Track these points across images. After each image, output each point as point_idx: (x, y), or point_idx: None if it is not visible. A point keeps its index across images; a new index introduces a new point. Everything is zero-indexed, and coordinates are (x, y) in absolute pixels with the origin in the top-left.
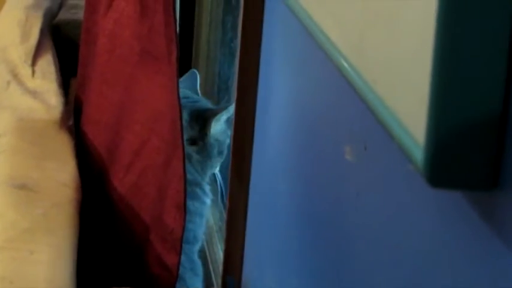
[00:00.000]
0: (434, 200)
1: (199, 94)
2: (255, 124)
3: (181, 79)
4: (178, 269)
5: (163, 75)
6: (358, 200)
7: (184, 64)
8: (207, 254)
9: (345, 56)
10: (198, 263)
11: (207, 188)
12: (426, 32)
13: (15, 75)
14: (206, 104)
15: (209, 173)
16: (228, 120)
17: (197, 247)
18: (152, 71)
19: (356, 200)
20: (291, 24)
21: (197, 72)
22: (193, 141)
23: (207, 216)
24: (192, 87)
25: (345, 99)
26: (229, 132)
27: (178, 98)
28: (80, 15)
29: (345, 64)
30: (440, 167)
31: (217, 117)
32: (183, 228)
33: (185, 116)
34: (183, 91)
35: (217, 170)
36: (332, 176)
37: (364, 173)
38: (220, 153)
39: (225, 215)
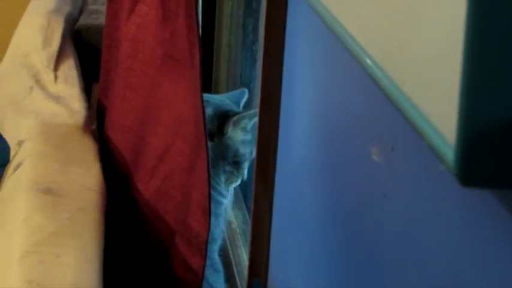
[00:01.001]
0: (464, 200)
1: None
2: (279, 126)
3: (229, 93)
4: (203, 271)
5: (186, 79)
6: (385, 201)
7: (205, 67)
8: (231, 256)
9: (371, 55)
10: (218, 260)
11: (222, 187)
12: (455, 29)
13: (37, 81)
14: (232, 107)
15: (222, 177)
16: (253, 129)
17: (215, 246)
18: (175, 75)
19: (383, 201)
20: (315, 25)
21: (246, 92)
22: (210, 136)
23: (224, 215)
24: (236, 102)
25: (371, 100)
26: (253, 151)
27: (202, 101)
28: (101, 20)
29: (371, 64)
30: (471, 166)
31: (236, 117)
32: (208, 231)
33: (209, 110)
34: (224, 99)
35: (232, 186)
36: (358, 177)
37: (391, 173)
38: (236, 164)
39: (248, 218)
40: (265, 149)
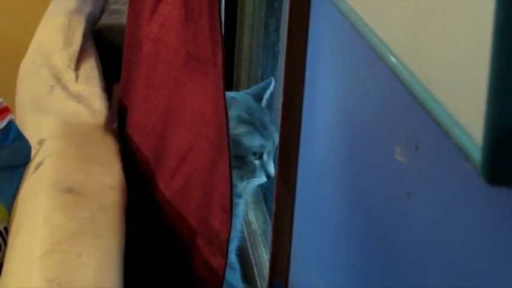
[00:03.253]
0: (490, 199)
1: (263, 101)
2: (301, 126)
3: (252, 88)
4: (224, 271)
5: (209, 79)
6: (409, 200)
7: (227, 68)
8: (251, 257)
9: (397, 55)
10: (234, 259)
11: (238, 187)
12: (483, 27)
13: (58, 80)
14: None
15: (237, 175)
16: (256, 117)
17: (232, 246)
18: (198, 74)
19: (407, 201)
20: (339, 24)
21: (272, 81)
22: None
23: (241, 216)
24: (258, 95)
25: (395, 99)
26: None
27: (224, 101)
28: (122, 20)
29: (397, 63)
30: (498, 165)
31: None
32: (230, 231)
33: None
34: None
35: (252, 183)
36: (382, 177)
37: (415, 173)
38: (239, 157)
39: (268, 219)
40: (287, 148)
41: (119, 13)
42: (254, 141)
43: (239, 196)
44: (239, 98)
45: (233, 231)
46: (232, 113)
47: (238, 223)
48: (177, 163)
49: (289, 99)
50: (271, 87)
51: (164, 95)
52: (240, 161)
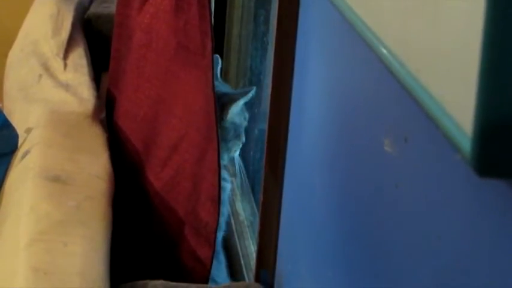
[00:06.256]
0: (479, 191)
1: (220, 79)
2: (289, 117)
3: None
4: (211, 261)
5: (198, 69)
6: (398, 192)
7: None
8: (239, 248)
9: (386, 44)
10: (221, 251)
11: (225, 173)
12: (474, 16)
13: (47, 69)
14: (225, 88)
15: (226, 157)
16: (245, 104)
17: (219, 235)
18: (188, 64)
19: (395, 192)
20: (328, 15)
21: (219, 57)
22: None
23: (228, 202)
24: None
25: (384, 90)
26: (246, 115)
27: (213, 90)
28: (112, 9)
29: (387, 53)
30: (488, 156)
31: (237, 103)
32: (217, 221)
33: None
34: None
35: (236, 154)
36: (370, 168)
37: (404, 165)
38: (237, 136)
39: (256, 210)
40: (275, 139)
41: (107, 2)
42: (242, 116)
43: (225, 180)
44: None
45: (221, 218)
46: None
47: (226, 210)
48: (168, 153)
49: (278, 90)
50: (219, 63)
51: (155, 85)
52: (236, 139)
